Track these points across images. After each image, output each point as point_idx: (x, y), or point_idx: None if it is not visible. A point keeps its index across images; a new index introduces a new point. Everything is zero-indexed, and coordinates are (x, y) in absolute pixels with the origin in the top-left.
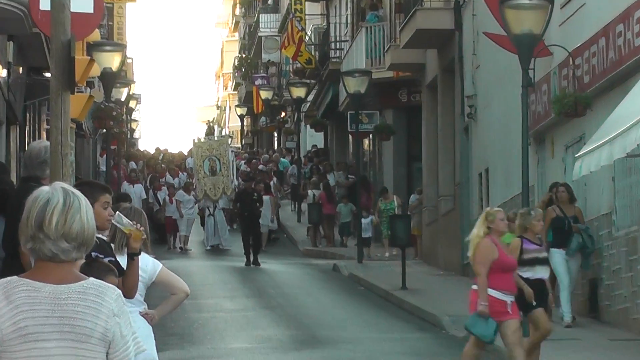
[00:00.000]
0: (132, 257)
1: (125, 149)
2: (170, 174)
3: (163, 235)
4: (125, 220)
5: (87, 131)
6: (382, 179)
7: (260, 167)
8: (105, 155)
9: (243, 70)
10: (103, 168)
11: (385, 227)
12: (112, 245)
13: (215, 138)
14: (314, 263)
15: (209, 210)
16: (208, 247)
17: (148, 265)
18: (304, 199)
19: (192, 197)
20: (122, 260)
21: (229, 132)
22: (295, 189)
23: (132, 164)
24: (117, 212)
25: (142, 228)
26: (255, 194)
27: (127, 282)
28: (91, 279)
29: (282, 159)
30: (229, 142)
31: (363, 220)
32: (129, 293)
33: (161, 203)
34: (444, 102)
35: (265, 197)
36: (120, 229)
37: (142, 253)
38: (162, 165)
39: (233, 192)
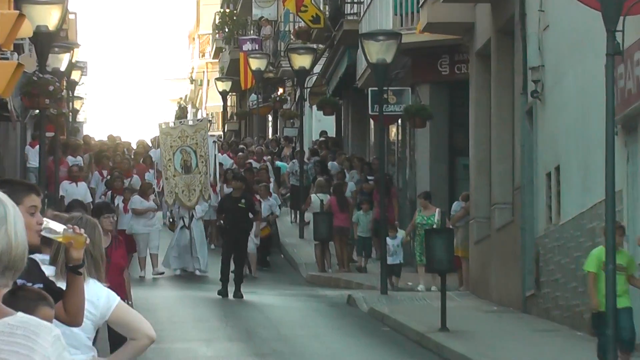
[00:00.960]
0: (75, 270)
1: (65, 137)
2: (123, 171)
3: None
4: (55, 225)
5: (14, 112)
6: (414, 181)
7: (253, 164)
8: (37, 146)
9: (226, 30)
10: (34, 163)
11: (420, 247)
12: (53, 268)
13: (190, 122)
14: (322, 294)
15: (184, 221)
16: (177, 271)
17: (100, 298)
18: (307, 206)
19: (153, 202)
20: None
21: (208, 114)
22: (297, 192)
23: (71, 159)
24: (44, 219)
25: (83, 232)
26: (244, 201)
27: (69, 304)
28: (19, 314)
29: (279, 163)
30: (208, 128)
31: (389, 240)
32: (73, 319)
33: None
34: (499, 75)
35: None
36: (53, 238)
37: (93, 281)
38: (128, 157)
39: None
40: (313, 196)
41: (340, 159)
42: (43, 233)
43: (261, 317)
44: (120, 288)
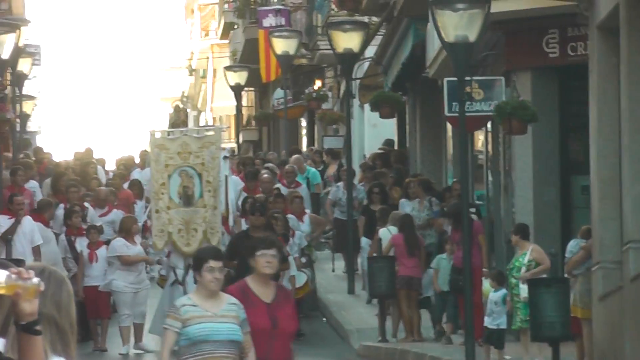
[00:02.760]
0: (30, 329)
1: (12, 153)
2: (98, 202)
3: (83, 322)
4: None
5: None
6: (511, 210)
7: (281, 188)
8: None
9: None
10: None
11: (522, 306)
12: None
13: (196, 133)
14: None
15: (175, 273)
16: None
17: None
18: (376, 247)
19: (141, 246)
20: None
21: (216, 120)
22: (342, 229)
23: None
24: None
25: (34, 279)
26: None
27: None
28: None
29: (309, 168)
30: (221, 140)
31: (492, 294)
32: None
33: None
34: (632, 58)
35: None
36: None
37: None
38: (95, 177)
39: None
40: (382, 231)
41: (387, 182)
42: None
43: None
44: None
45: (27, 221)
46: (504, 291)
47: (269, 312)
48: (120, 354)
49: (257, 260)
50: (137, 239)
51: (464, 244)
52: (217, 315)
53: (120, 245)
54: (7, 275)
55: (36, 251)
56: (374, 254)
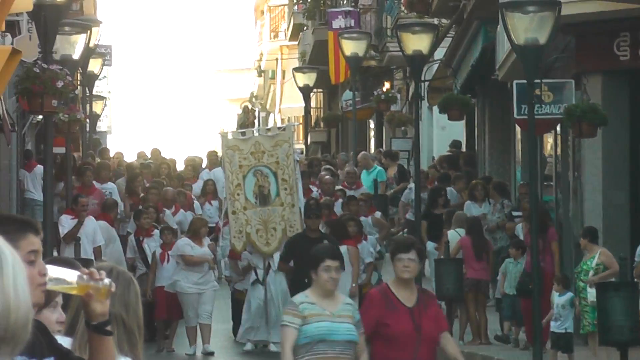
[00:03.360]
0: (101, 329)
1: (81, 154)
2: (165, 202)
3: (149, 325)
4: (63, 272)
5: (7, 119)
6: (581, 214)
7: (347, 192)
8: (41, 167)
9: (309, 0)
10: (33, 193)
11: (590, 309)
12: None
13: (269, 132)
14: None
15: (256, 273)
16: (247, 346)
17: None
18: (444, 247)
19: (208, 248)
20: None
21: (284, 120)
22: (412, 231)
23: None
24: (48, 271)
25: (105, 279)
26: (326, 242)
27: None
28: None
29: (376, 166)
30: (294, 137)
31: (555, 298)
32: None
33: (150, 262)
34: None
35: (351, 249)
36: (63, 291)
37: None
38: (162, 179)
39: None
40: (451, 233)
41: (458, 185)
42: (49, 286)
43: None
44: None
45: (90, 222)
46: (570, 294)
47: (411, 316)
48: (186, 354)
49: (395, 264)
50: (205, 240)
51: (533, 246)
52: (334, 315)
53: (184, 244)
54: (78, 275)
55: (97, 252)
56: (442, 257)
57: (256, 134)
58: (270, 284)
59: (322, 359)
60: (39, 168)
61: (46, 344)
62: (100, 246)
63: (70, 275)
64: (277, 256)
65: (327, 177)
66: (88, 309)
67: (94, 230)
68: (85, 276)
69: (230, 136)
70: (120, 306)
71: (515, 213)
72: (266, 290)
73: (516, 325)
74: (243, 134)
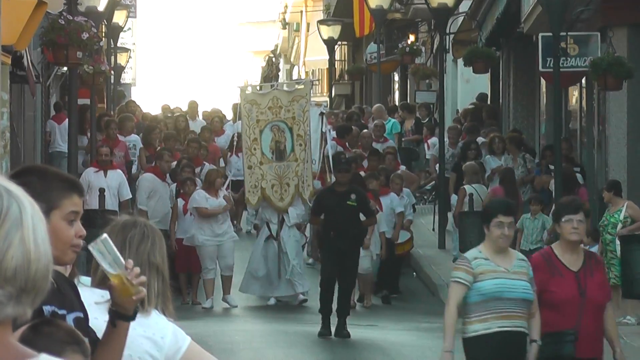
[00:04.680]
0: (122, 315)
1: (107, 107)
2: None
3: (173, 276)
4: (114, 251)
5: (32, 71)
6: (606, 167)
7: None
8: (66, 120)
9: None
10: (61, 145)
11: (617, 262)
12: (85, 282)
13: (286, 87)
14: None
15: (269, 228)
16: (270, 301)
17: (166, 337)
18: (463, 201)
19: (224, 199)
20: (101, 315)
21: (309, 73)
22: (442, 183)
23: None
24: (102, 237)
25: (140, 275)
26: (354, 196)
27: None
28: (43, 356)
29: (390, 119)
30: (311, 93)
31: None
32: None
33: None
34: None
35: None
36: (101, 267)
37: (157, 314)
38: (193, 135)
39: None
40: (467, 187)
41: (490, 138)
42: (93, 252)
43: None
44: None
45: (114, 174)
46: (596, 248)
47: (577, 281)
48: (203, 308)
49: (562, 226)
50: (221, 192)
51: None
52: (510, 271)
53: (199, 197)
54: (127, 263)
55: (124, 205)
56: (465, 210)
57: (274, 89)
58: (283, 238)
59: (496, 317)
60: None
61: (76, 300)
62: (128, 200)
63: (119, 258)
64: (291, 211)
65: (366, 130)
66: (113, 296)
67: (120, 184)
68: (130, 271)
69: (249, 90)
70: (160, 257)
71: (552, 167)
72: (281, 246)
73: None
74: (261, 88)
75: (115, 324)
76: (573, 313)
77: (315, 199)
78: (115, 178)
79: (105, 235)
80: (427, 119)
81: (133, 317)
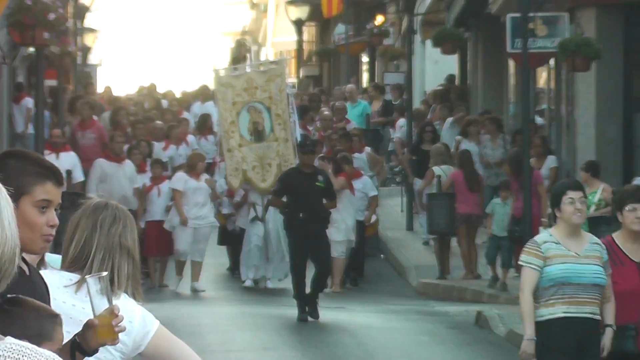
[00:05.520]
0: (77, 352)
1: (73, 86)
2: (154, 136)
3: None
4: (107, 292)
5: None
6: (573, 149)
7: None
8: (32, 100)
9: None
10: (20, 127)
11: None
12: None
13: (261, 67)
14: (440, 310)
15: (255, 210)
16: (247, 282)
17: (134, 321)
18: (428, 184)
19: (205, 183)
20: (69, 298)
21: (277, 54)
22: (412, 166)
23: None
24: (103, 274)
25: (120, 316)
26: (321, 178)
27: None
28: (8, 339)
29: (360, 101)
30: (286, 71)
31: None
32: None
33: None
34: None
35: (343, 182)
36: (91, 302)
37: (125, 297)
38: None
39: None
40: (436, 169)
41: (459, 119)
42: (89, 285)
43: (352, 343)
44: None
45: (67, 156)
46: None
47: (639, 271)
48: (171, 289)
49: (625, 214)
50: (203, 176)
51: (525, 192)
52: (580, 256)
53: (179, 178)
54: (112, 305)
55: (78, 187)
56: (434, 192)
57: (248, 70)
58: (269, 221)
59: (563, 302)
60: (26, 100)
61: (40, 286)
62: (79, 182)
63: (109, 300)
64: None
65: (326, 112)
66: (87, 332)
67: (73, 166)
68: (113, 313)
69: (222, 73)
70: (132, 240)
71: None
72: (265, 228)
73: (505, 268)
74: (235, 69)
75: (75, 357)
76: (635, 306)
77: (279, 179)
78: (68, 160)
79: (106, 273)
80: (398, 101)
81: (93, 354)
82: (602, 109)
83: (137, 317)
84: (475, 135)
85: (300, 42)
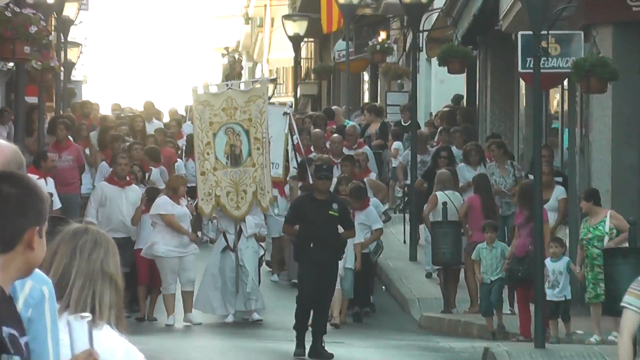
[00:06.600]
0: None
1: (55, 105)
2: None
3: (132, 289)
4: (89, 336)
5: None
6: (588, 175)
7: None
8: (12, 121)
9: None
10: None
11: (591, 275)
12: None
13: (242, 86)
14: (444, 346)
15: (226, 239)
16: (228, 318)
17: (117, 354)
18: (432, 209)
19: (187, 208)
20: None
21: (272, 72)
22: (414, 192)
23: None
24: (88, 317)
25: None
26: (336, 206)
27: None
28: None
29: (348, 121)
30: (269, 93)
31: (550, 264)
32: None
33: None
34: None
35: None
36: (70, 343)
37: (108, 328)
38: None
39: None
40: (439, 194)
41: (459, 142)
42: (71, 326)
43: None
44: None
45: (47, 183)
46: (566, 259)
47: None
48: (166, 325)
49: None
50: (183, 200)
51: (536, 223)
52: None
53: (164, 203)
54: (88, 349)
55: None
56: (439, 219)
57: (229, 89)
58: (241, 250)
59: None
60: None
61: (9, 314)
62: (57, 210)
63: (90, 342)
64: (249, 220)
65: (336, 135)
66: None
67: (51, 190)
68: (95, 356)
69: (200, 91)
70: (114, 266)
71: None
72: (237, 257)
73: (497, 309)
74: (213, 87)
75: None
76: None
77: (291, 206)
78: (47, 187)
79: (89, 315)
80: (408, 122)
81: None
82: (619, 133)
83: (120, 350)
84: (474, 164)
85: (297, 59)
